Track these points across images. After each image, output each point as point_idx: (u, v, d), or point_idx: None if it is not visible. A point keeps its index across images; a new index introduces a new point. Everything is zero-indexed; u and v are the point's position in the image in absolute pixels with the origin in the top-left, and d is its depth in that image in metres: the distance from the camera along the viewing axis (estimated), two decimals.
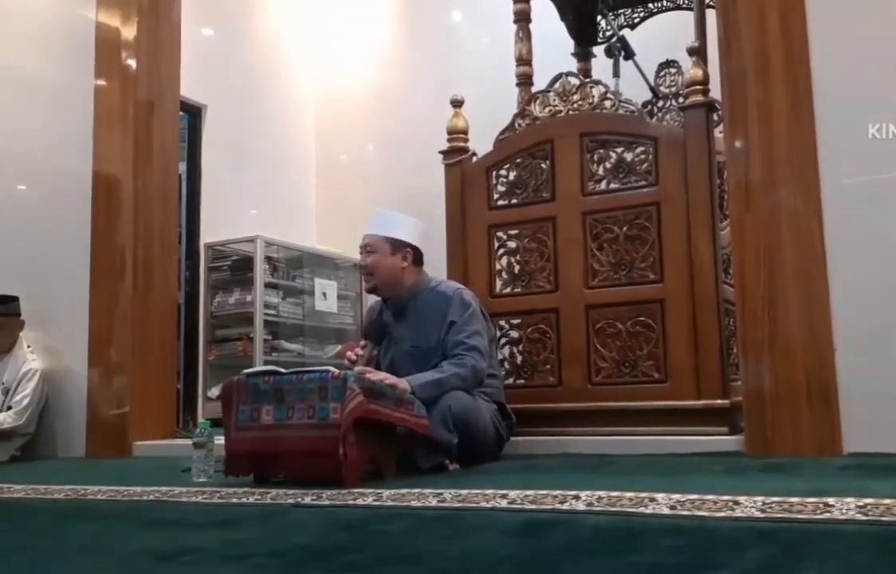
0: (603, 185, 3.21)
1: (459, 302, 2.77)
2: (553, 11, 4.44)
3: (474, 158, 3.45)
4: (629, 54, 3.80)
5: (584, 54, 4.59)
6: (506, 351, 3.27)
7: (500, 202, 3.39)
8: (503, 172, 3.39)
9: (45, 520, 2.04)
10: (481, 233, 3.37)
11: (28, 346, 3.96)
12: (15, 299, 3.96)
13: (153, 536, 1.70)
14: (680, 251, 2.98)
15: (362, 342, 2.79)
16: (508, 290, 3.33)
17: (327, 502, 1.93)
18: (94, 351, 3.89)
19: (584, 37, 4.58)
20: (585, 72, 4.40)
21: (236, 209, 5.66)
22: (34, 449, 3.89)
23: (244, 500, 2.04)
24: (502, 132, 3.42)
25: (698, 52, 3.20)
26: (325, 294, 5.95)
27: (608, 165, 3.22)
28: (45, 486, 2.50)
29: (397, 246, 2.82)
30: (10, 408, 3.78)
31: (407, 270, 2.83)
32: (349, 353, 2.76)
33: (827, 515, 1.42)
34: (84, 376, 3.90)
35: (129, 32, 4.04)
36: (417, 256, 2.86)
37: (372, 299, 3.06)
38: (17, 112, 4.34)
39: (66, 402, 3.94)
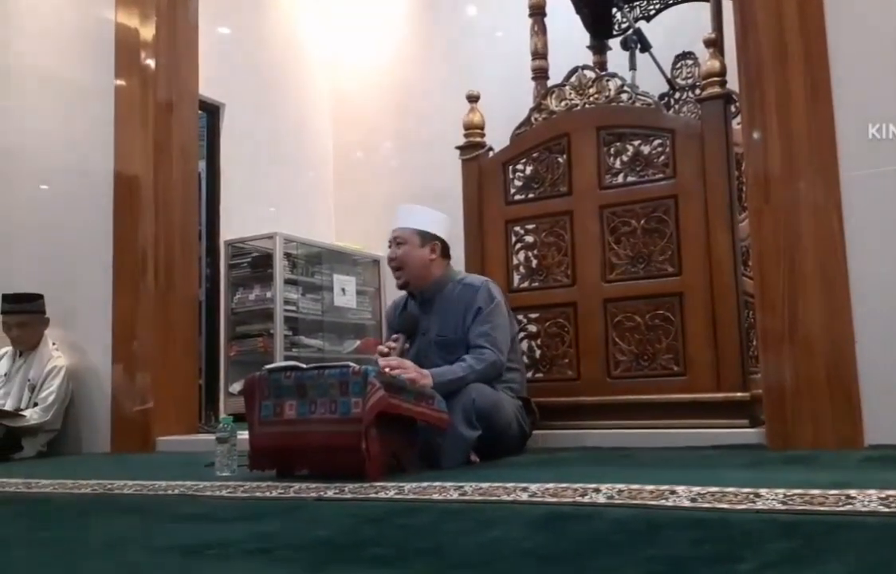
0: (620, 179, 3.20)
1: (487, 293, 2.80)
2: (568, 5, 4.43)
3: (491, 153, 3.46)
4: (645, 47, 3.79)
5: (599, 47, 4.58)
6: (524, 345, 3.27)
7: (517, 197, 3.39)
8: (520, 167, 3.39)
9: (72, 514, 2.08)
10: (498, 228, 3.38)
11: (53, 344, 4.02)
12: (40, 297, 4.02)
13: (179, 530, 1.72)
14: (698, 244, 2.97)
15: (394, 336, 2.80)
16: (526, 284, 3.33)
17: (350, 496, 1.95)
18: (117, 348, 3.94)
19: (599, 30, 4.57)
20: (601, 65, 4.38)
21: (255, 206, 5.71)
22: (60, 445, 3.95)
23: (268, 494, 2.07)
24: (518, 127, 3.42)
25: (715, 44, 3.18)
26: (343, 290, 5.99)
27: (625, 159, 3.21)
28: (73, 481, 2.54)
29: (426, 238, 2.87)
30: (36, 404, 3.84)
31: (435, 262, 2.87)
32: (381, 347, 2.78)
33: (849, 508, 1.42)
34: (108, 373, 3.95)
35: (147, 32, 4.08)
36: (445, 249, 2.91)
37: (397, 295, 3.07)
38: (38, 113, 4.40)
39: (90, 399, 4.00)
